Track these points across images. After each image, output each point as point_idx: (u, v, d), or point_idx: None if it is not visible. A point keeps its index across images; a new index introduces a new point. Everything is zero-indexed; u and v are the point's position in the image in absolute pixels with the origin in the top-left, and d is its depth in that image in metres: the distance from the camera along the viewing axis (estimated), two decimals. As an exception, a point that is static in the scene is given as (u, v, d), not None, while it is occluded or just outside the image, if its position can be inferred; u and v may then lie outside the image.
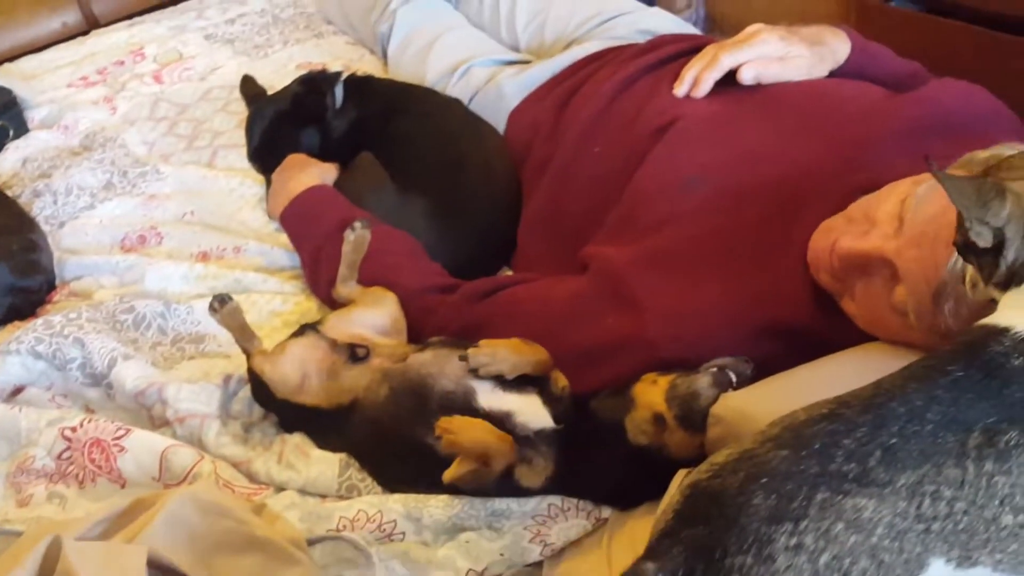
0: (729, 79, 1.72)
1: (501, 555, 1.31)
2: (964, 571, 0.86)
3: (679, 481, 1.19)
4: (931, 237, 1.21)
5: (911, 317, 1.24)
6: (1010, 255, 0.95)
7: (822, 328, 1.40)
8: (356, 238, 1.61)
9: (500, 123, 2.04)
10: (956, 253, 1.16)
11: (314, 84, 2.05)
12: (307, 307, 1.80)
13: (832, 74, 1.76)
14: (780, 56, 1.72)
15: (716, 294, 1.45)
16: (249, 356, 1.54)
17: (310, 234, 1.82)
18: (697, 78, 1.72)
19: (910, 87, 1.73)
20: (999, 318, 0.94)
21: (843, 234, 1.34)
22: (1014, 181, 0.96)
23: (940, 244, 1.18)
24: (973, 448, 0.86)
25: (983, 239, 0.95)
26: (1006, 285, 0.96)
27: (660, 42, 1.97)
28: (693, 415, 1.32)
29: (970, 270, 1.05)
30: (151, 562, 1.17)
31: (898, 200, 1.29)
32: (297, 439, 1.49)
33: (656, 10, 2.32)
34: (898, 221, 1.27)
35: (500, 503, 1.34)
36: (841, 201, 1.45)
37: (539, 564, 1.33)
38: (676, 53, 1.88)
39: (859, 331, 1.37)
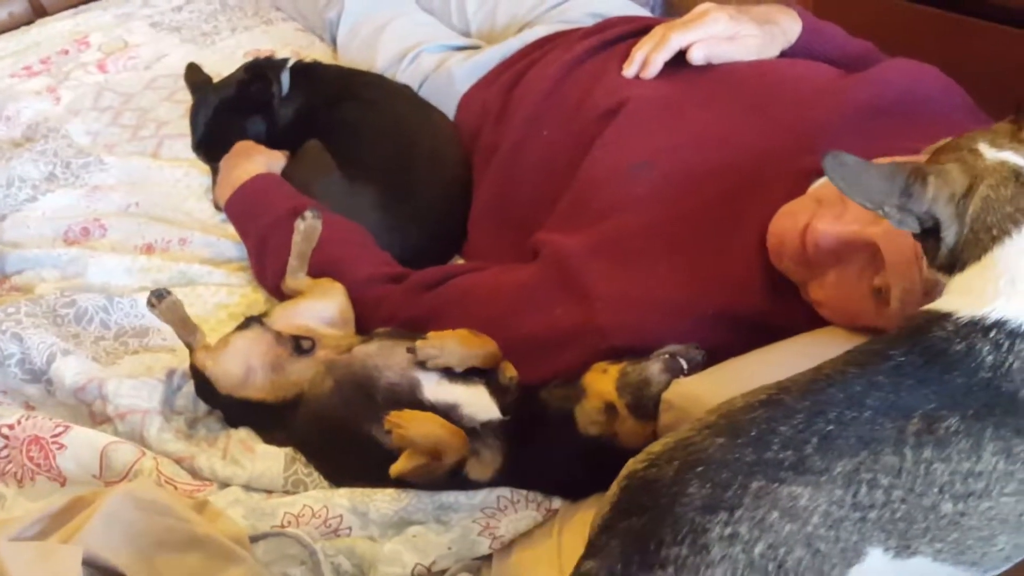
0: (679, 59, 1.70)
1: (449, 549, 1.28)
2: (903, 561, 0.85)
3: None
4: None
5: (894, 303, 1.21)
6: (949, 238, 0.93)
7: (775, 314, 1.38)
8: (306, 228, 1.58)
9: (450, 109, 2.01)
10: None
11: (259, 71, 2.00)
12: (254, 299, 1.77)
13: (783, 54, 1.75)
14: (730, 36, 1.70)
15: (666, 281, 1.43)
16: (191, 351, 1.50)
17: (256, 224, 1.78)
18: (646, 59, 1.70)
19: (862, 67, 1.72)
20: (943, 303, 0.93)
21: (816, 217, 1.32)
22: (947, 162, 0.94)
23: None
24: (912, 435, 0.85)
25: (907, 225, 0.94)
26: (949, 269, 0.95)
27: (608, 24, 1.95)
28: (644, 403, 1.30)
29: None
30: (88, 561, 1.14)
31: None
32: (242, 434, 1.47)
33: (609, -10, 2.29)
34: None
35: (448, 496, 1.31)
36: (793, 184, 1.43)
37: (489, 557, 1.31)
38: (624, 34, 1.85)
39: (812, 317, 1.35)
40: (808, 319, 1.35)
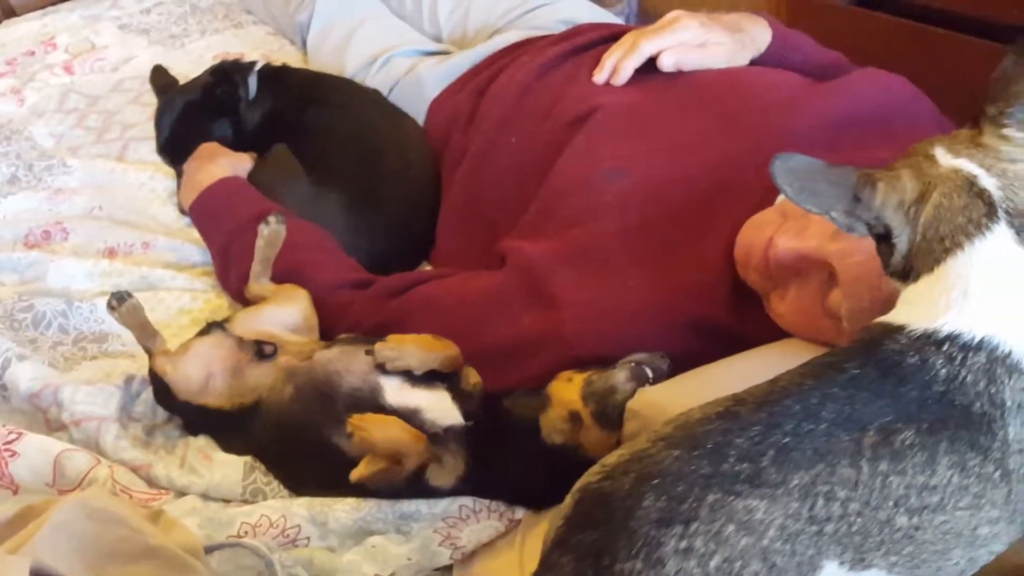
0: (649, 66, 1.69)
1: (409, 559, 1.27)
2: (858, 573, 0.84)
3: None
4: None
5: (844, 323, 1.21)
6: (902, 244, 0.92)
7: (742, 324, 1.38)
8: (270, 233, 1.56)
9: (420, 114, 2.00)
10: None
11: (226, 74, 1.98)
12: (217, 304, 1.75)
13: (753, 62, 1.75)
14: (700, 43, 1.70)
15: (633, 290, 1.43)
16: (151, 356, 1.48)
17: (219, 227, 1.76)
18: (616, 65, 1.70)
19: (831, 76, 1.72)
20: (896, 315, 0.93)
21: (780, 232, 1.31)
22: (901, 168, 0.94)
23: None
24: (868, 448, 0.84)
25: (856, 231, 0.93)
26: (904, 276, 0.94)
27: (579, 30, 1.94)
28: (609, 411, 1.29)
29: None
30: (36, 572, 1.11)
31: None
32: (201, 442, 1.44)
33: (579, 0, 2.29)
34: None
35: (409, 505, 1.29)
36: (762, 194, 1.42)
37: (449, 568, 1.29)
38: (595, 40, 1.85)
39: (779, 328, 1.34)
40: (775, 329, 1.34)
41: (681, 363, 1.32)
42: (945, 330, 0.88)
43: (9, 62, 2.46)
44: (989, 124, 0.97)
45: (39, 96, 2.31)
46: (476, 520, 1.31)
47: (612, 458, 0.91)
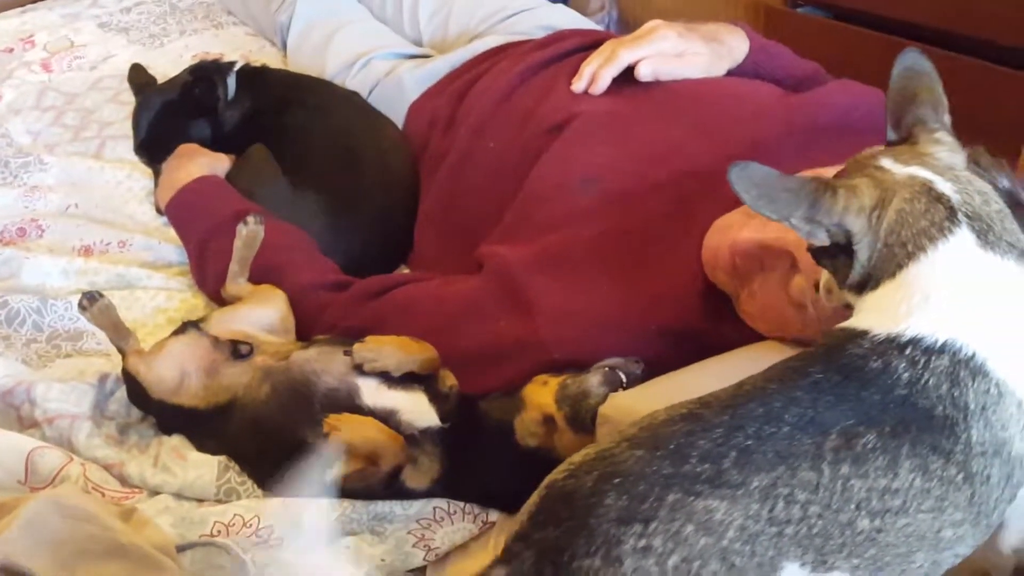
0: (627, 75, 1.70)
1: (383, 560, 1.26)
2: (820, 575, 0.84)
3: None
4: None
5: (810, 308, 1.23)
6: (863, 252, 0.93)
7: (715, 330, 1.39)
8: (248, 233, 1.56)
9: (400, 116, 2.00)
10: None
11: (205, 74, 1.98)
12: (194, 304, 1.74)
13: (731, 72, 1.76)
14: (678, 53, 1.71)
15: (609, 295, 1.44)
16: (124, 356, 1.47)
17: (197, 227, 1.75)
18: (595, 74, 1.71)
19: (808, 87, 1.74)
20: (859, 320, 0.93)
21: (743, 227, 1.33)
22: (855, 178, 0.95)
23: None
24: (830, 451, 0.84)
25: (817, 238, 0.95)
26: (861, 287, 0.95)
27: (560, 36, 1.96)
28: (582, 415, 1.29)
29: (824, 275, 1.04)
30: (5, 569, 1.10)
31: None
32: (175, 441, 1.43)
33: (560, 7, 2.30)
34: None
35: (383, 506, 1.29)
36: (733, 203, 1.43)
37: (422, 569, 1.29)
38: (575, 47, 1.86)
39: (751, 333, 1.36)
40: (749, 334, 1.35)
41: (656, 369, 1.33)
42: (908, 334, 0.88)
43: (-13, 59, 2.45)
44: (920, 132, 0.99)
45: (16, 93, 2.30)
46: (451, 522, 1.31)
47: (578, 457, 0.92)
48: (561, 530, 0.86)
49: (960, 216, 0.91)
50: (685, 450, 0.86)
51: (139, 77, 2.08)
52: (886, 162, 0.96)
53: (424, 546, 1.28)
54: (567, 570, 0.84)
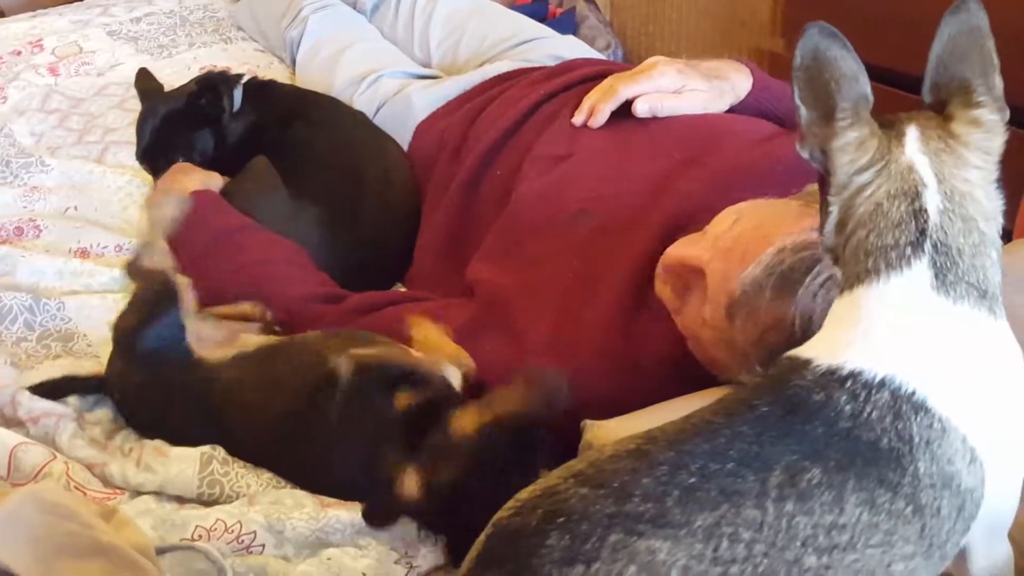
0: (625, 109, 1.72)
1: (364, 574, 1.25)
2: None
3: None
4: (739, 252, 1.22)
5: (711, 332, 1.25)
6: (832, 215, 0.92)
7: (696, 363, 1.38)
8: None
9: (406, 135, 2.01)
10: (751, 267, 1.18)
11: (211, 84, 1.98)
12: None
13: (733, 109, 1.77)
14: (677, 89, 1.72)
15: (594, 327, 1.44)
16: None
17: (193, 239, 1.74)
18: (593, 108, 1.72)
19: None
20: (804, 349, 0.90)
21: (674, 244, 1.36)
22: (880, 131, 0.91)
23: (742, 258, 1.20)
24: (774, 488, 0.81)
25: (803, 153, 0.93)
26: (832, 253, 0.93)
27: (568, 67, 1.97)
28: None
29: None
30: (-18, 563, 1.09)
31: (734, 214, 1.29)
32: (157, 442, 1.42)
33: (570, 38, 2.32)
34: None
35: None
36: None
37: (403, 581, 1.28)
38: (584, 78, 1.87)
39: None
40: None
41: (644, 401, 1.32)
42: (848, 367, 0.86)
43: (-6, 59, 2.46)
44: (958, 103, 0.91)
45: (22, 94, 2.31)
46: (434, 542, 1.29)
47: (524, 493, 0.88)
48: (504, 572, 0.83)
49: (927, 246, 0.87)
50: (628, 488, 0.83)
51: (146, 82, 2.08)
52: (910, 133, 0.90)
53: (406, 563, 1.26)
54: None
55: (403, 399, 1.27)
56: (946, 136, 0.90)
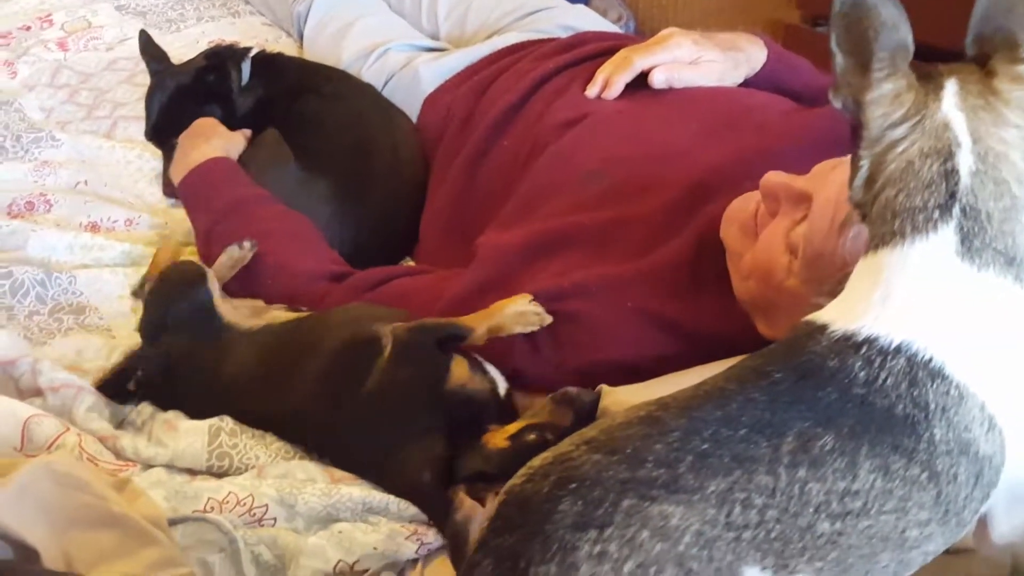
0: (641, 81, 1.70)
1: (375, 549, 1.24)
2: None
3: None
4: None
5: (797, 263, 1.23)
6: (862, 169, 0.90)
7: (698, 318, 1.39)
8: (236, 256, 1.60)
9: (415, 107, 2.00)
10: None
11: (219, 59, 1.98)
12: (198, 284, 1.73)
13: (748, 82, 1.76)
14: (692, 60, 1.71)
15: (599, 274, 1.43)
16: None
17: (207, 207, 1.75)
18: (608, 80, 1.71)
19: (825, 101, 1.73)
20: (821, 314, 0.89)
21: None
22: (920, 84, 0.89)
23: None
24: (787, 454, 0.81)
25: (836, 101, 0.92)
26: (861, 208, 0.91)
27: (581, 39, 1.95)
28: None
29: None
30: (-2, 534, 1.10)
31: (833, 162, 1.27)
32: (168, 415, 1.42)
33: (580, 7, 2.30)
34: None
35: (378, 501, 1.28)
36: None
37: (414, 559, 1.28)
38: (595, 53, 1.85)
39: (728, 324, 1.35)
40: (741, 328, 1.35)
41: (653, 365, 1.33)
42: (864, 333, 0.85)
43: (4, 35, 2.47)
44: (1002, 56, 0.87)
45: (32, 70, 2.32)
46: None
47: (537, 460, 0.88)
48: (517, 536, 0.83)
49: (955, 210, 0.85)
50: (641, 454, 0.83)
51: (149, 47, 2.06)
52: (948, 88, 0.87)
53: (417, 539, 1.26)
54: None
55: (461, 371, 1.30)
56: (986, 92, 0.87)
